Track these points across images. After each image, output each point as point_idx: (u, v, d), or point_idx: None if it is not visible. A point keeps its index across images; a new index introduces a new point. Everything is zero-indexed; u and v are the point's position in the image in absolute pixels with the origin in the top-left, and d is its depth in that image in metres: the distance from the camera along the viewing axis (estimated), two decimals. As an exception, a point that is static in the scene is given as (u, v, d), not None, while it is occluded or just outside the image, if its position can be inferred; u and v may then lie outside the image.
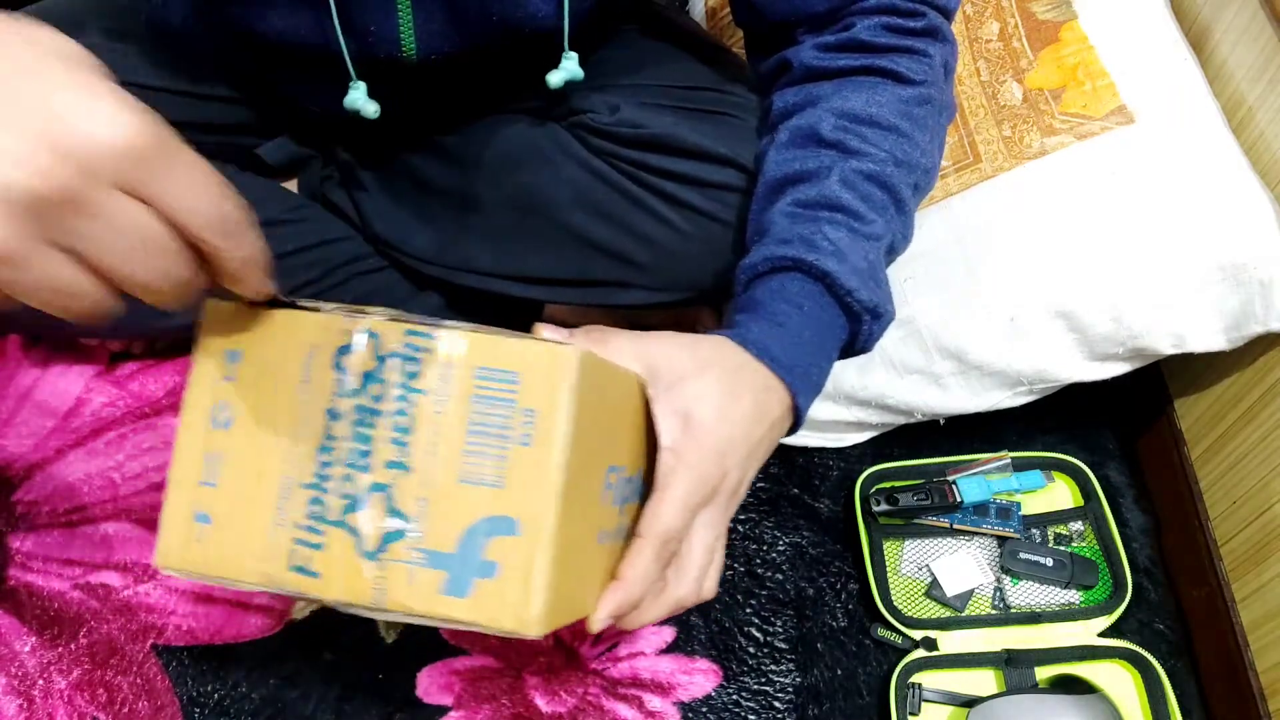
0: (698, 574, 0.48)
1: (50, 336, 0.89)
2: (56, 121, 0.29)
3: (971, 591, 0.76)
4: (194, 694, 0.71)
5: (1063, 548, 0.79)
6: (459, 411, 0.38)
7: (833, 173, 0.57)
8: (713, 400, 0.48)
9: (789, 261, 0.55)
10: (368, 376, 0.39)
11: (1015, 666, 0.71)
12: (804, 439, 0.86)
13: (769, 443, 0.51)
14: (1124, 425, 0.89)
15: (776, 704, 0.74)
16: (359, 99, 0.65)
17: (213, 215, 0.33)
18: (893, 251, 0.59)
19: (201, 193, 0.32)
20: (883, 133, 0.59)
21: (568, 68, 0.65)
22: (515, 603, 0.37)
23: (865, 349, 0.59)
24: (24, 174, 0.29)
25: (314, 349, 0.39)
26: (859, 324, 0.57)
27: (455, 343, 0.38)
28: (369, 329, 0.39)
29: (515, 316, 0.88)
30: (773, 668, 0.75)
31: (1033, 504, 0.81)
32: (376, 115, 0.66)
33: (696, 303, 0.75)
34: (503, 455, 0.38)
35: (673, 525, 0.45)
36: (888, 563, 0.78)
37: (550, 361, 0.38)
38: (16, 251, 0.29)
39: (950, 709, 0.71)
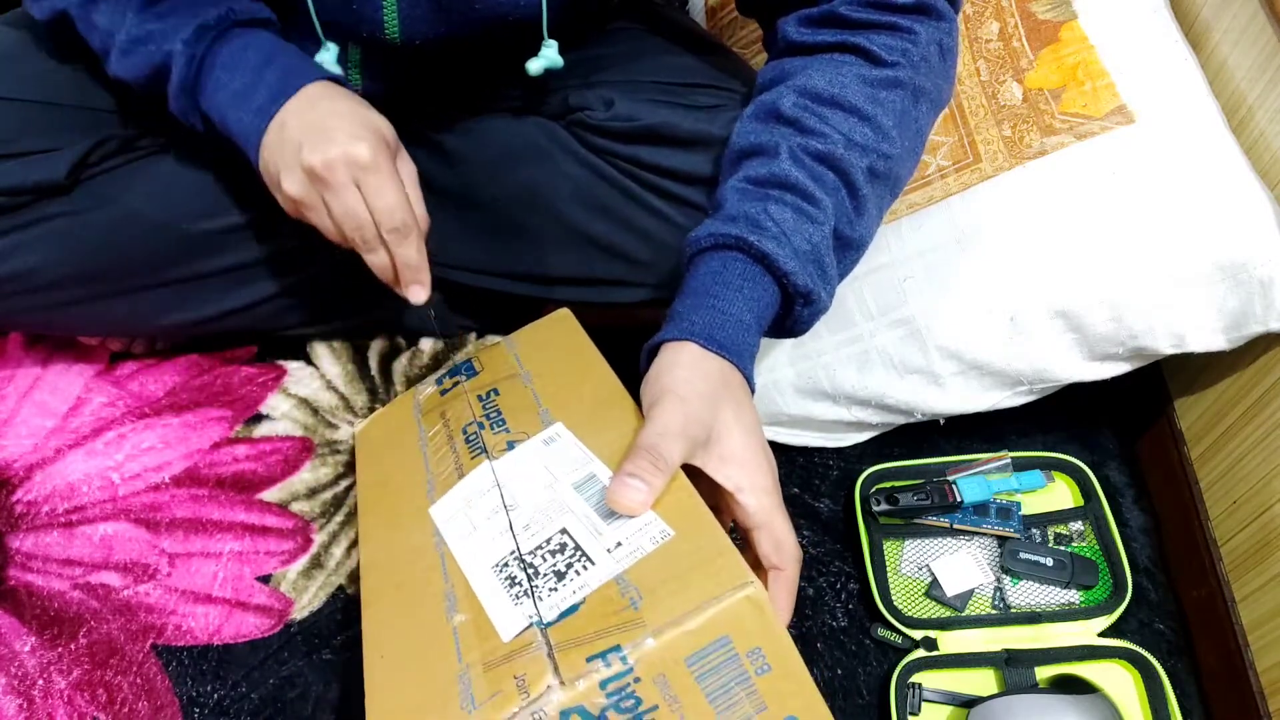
0: (794, 551, 0.52)
1: (50, 336, 0.89)
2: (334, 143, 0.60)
3: (971, 591, 0.76)
4: (194, 694, 0.71)
5: (1063, 548, 0.79)
6: (693, 697, 0.41)
7: (782, 149, 0.59)
8: (735, 426, 0.53)
9: (732, 240, 0.57)
10: None
11: (1015, 666, 0.71)
12: (804, 439, 0.86)
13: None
14: (1124, 425, 0.89)
15: (776, 704, 0.74)
16: (328, 60, 0.65)
17: (384, 214, 0.61)
18: (840, 237, 0.59)
19: (384, 200, 0.61)
20: (843, 114, 0.59)
21: (547, 55, 0.65)
22: None
23: (793, 332, 0.61)
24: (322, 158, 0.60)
25: None
26: (791, 305, 0.58)
27: (650, 656, 0.40)
28: (562, 707, 0.40)
29: (515, 314, 0.89)
30: (773, 668, 0.75)
31: (1033, 504, 0.81)
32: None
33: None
34: (753, 691, 0.42)
35: (795, 547, 0.52)
36: (888, 563, 0.78)
37: (748, 610, 0.41)
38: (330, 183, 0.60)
39: (950, 709, 0.71)
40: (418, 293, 0.65)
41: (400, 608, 0.52)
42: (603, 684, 0.40)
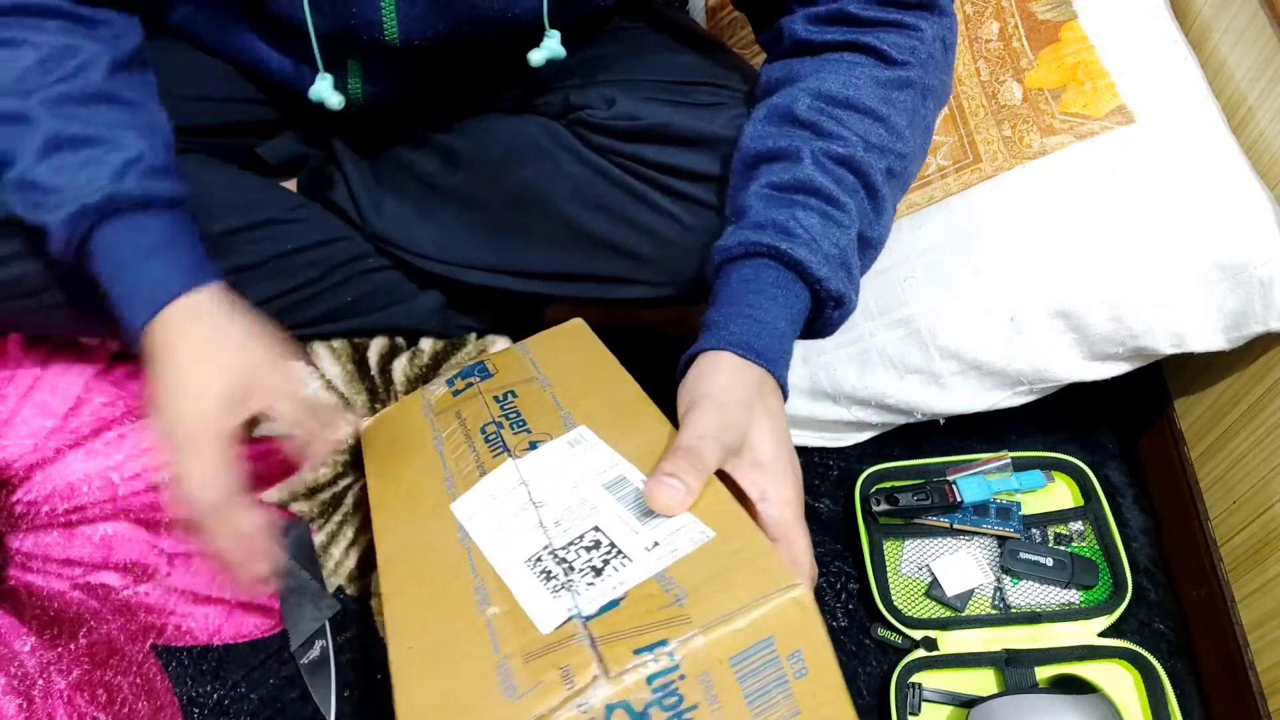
0: (810, 569, 0.52)
1: (50, 336, 0.89)
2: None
3: (971, 591, 0.76)
4: (193, 694, 0.71)
5: (1063, 548, 0.79)
6: (733, 698, 0.41)
7: (804, 154, 0.58)
8: (768, 434, 0.52)
9: (763, 248, 0.57)
10: None
11: (1015, 666, 0.71)
12: (804, 439, 0.86)
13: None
14: (1124, 425, 0.89)
15: (776, 704, 0.74)
16: (324, 90, 0.65)
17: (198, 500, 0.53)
18: (862, 239, 0.60)
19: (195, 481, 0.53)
20: (859, 116, 0.59)
21: (549, 46, 0.65)
22: None
23: (821, 334, 0.62)
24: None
25: None
26: (822, 309, 0.59)
27: (697, 654, 0.40)
28: (608, 701, 0.40)
29: (517, 312, 0.89)
30: (773, 668, 0.75)
31: (1033, 504, 0.81)
32: (340, 107, 0.66)
33: (699, 299, 0.75)
34: (789, 695, 0.42)
35: (811, 565, 0.51)
36: (888, 563, 0.78)
37: (794, 612, 0.41)
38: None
39: (950, 709, 0.71)
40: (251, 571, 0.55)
41: (427, 601, 0.51)
42: (650, 679, 0.40)
